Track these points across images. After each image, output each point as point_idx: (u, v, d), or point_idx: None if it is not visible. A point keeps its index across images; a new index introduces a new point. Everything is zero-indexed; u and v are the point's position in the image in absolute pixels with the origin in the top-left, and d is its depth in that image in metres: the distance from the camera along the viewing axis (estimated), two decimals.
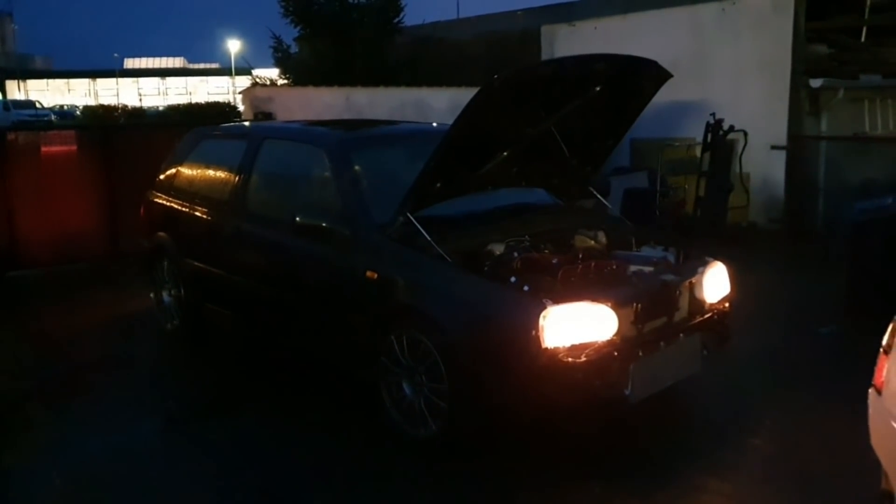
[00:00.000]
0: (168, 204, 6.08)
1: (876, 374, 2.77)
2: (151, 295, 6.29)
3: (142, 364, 5.66)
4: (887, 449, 2.69)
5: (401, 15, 14.75)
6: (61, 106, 47.52)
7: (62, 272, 8.12)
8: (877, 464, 2.78)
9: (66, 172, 8.40)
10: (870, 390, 2.81)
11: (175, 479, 3.94)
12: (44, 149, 8.37)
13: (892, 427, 2.56)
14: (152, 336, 6.18)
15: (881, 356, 2.76)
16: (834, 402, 4.52)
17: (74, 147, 8.58)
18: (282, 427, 4.49)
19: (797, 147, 9.85)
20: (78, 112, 29.60)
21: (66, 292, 7.50)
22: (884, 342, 2.77)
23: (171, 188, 6.14)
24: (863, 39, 10.95)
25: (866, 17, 10.78)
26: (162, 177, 6.33)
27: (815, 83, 9.71)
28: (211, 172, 5.89)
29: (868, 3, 10.70)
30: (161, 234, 6.08)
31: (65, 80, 68.59)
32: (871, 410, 2.81)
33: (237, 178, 5.45)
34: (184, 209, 5.88)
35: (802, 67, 9.76)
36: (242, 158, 5.46)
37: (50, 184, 8.21)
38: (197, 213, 5.73)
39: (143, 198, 6.47)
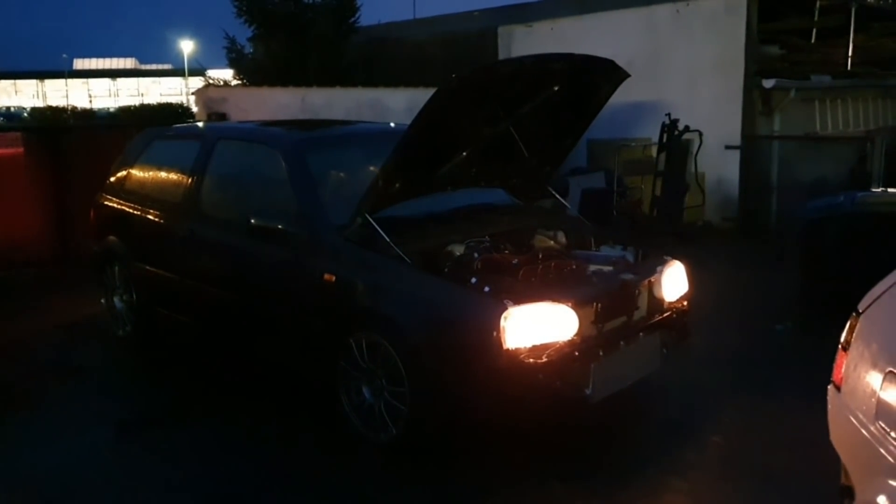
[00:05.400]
0: (118, 207, 5.92)
1: (835, 371, 2.78)
2: (102, 300, 6.13)
3: (92, 371, 5.49)
4: (846, 444, 2.71)
5: (356, 15, 14.67)
6: (8, 108, 46.36)
7: (8, 277, 7.86)
8: (836, 459, 2.79)
9: (11, 175, 8.17)
10: (829, 386, 2.82)
11: (126, 488, 3.81)
12: None
13: (851, 422, 2.57)
14: (104, 342, 6.01)
15: (840, 353, 2.78)
16: (791, 399, 4.58)
17: (21, 149, 8.35)
18: (238, 433, 4.39)
19: (751, 147, 10.02)
20: (25, 114, 28.86)
21: (12, 298, 7.27)
22: (842, 339, 2.79)
23: (122, 190, 5.98)
24: (813, 40, 11.19)
25: (816, 18, 11.00)
26: (112, 179, 6.16)
27: (768, 83, 9.89)
28: (163, 174, 5.74)
29: (818, 4, 10.93)
30: (111, 237, 5.93)
31: (11, 81, 66.92)
32: (830, 406, 2.82)
33: (190, 180, 5.32)
34: (135, 212, 5.73)
35: (755, 68, 9.94)
36: (196, 160, 5.34)
37: None
38: (149, 216, 5.59)
39: (92, 201, 6.30)
